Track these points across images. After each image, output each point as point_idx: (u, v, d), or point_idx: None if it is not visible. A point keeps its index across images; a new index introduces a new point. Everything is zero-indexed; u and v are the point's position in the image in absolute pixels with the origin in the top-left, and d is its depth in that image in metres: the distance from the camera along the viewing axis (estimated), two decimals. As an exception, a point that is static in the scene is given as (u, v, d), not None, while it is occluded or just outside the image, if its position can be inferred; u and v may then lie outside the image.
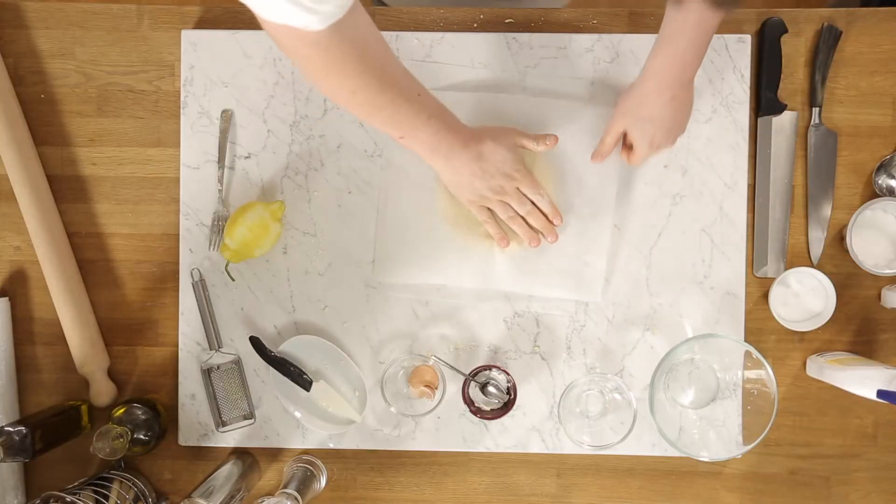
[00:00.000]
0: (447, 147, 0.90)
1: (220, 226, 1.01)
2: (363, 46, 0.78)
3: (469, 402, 0.98)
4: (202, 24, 1.04)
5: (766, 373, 0.93)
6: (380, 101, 0.83)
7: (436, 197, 1.01)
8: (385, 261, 1.01)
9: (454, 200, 0.99)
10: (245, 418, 1.02)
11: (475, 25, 1.04)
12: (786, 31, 1.00)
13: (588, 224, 1.00)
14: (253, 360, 1.01)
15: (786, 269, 1.01)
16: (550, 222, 0.97)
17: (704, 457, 0.94)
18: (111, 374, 1.03)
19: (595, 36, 1.01)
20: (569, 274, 1.00)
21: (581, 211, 1.00)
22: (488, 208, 0.97)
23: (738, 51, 1.01)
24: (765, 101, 1.01)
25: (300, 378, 0.99)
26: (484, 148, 0.92)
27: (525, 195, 0.95)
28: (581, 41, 1.01)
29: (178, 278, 1.03)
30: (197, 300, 1.02)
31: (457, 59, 1.02)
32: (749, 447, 0.93)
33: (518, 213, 0.96)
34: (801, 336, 1.02)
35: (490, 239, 0.99)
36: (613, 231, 1.01)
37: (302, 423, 1.01)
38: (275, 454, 1.03)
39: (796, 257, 1.02)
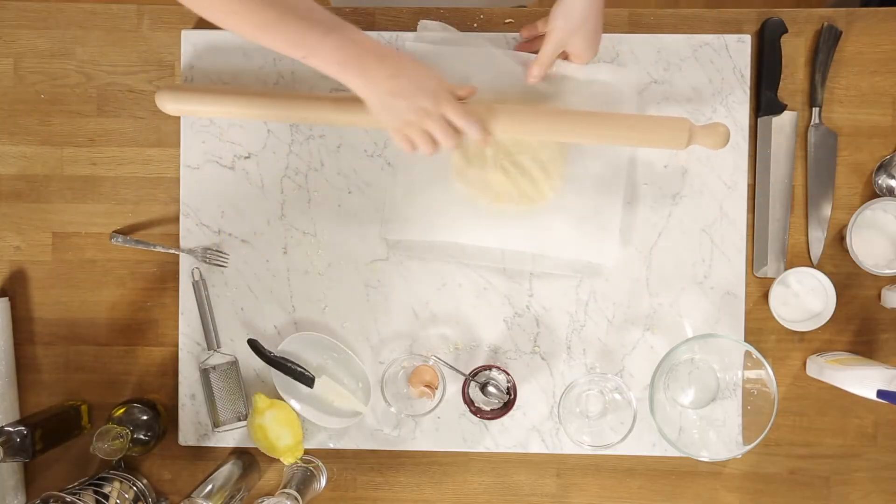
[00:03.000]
0: (357, 62, 0.84)
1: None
2: None
3: (469, 402, 0.98)
4: (202, 24, 1.04)
5: (766, 373, 0.93)
6: (265, 18, 0.79)
7: (449, 155, 1.00)
8: (396, 219, 1.01)
9: (467, 158, 0.98)
10: (240, 419, 1.02)
11: (475, 25, 1.04)
12: (786, 31, 1.00)
13: (602, 190, 0.99)
14: (253, 361, 1.01)
15: (786, 269, 1.01)
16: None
17: (704, 457, 0.94)
18: (111, 373, 1.03)
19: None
20: (584, 233, 0.99)
21: (595, 176, 0.99)
22: (412, 141, 0.90)
23: (738, 51, 1.01)
24: (765, 101, 1.01)
25: (302, 376, 0.99)
26: (403, 63, 0.86)
27: (451, 122, 0.89)
28: (581, 41, 1.01)
29: (178, 278, 1.03)
30: (197, 300, 1.02)
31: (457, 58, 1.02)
32: (749, 447, 0.93)
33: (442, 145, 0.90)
34: (801, 336, 1.02)
35: (503, 200, 0.98)
36: (625, 206, 1.01)
37: (306, 421, 1.01)
38: (275, 454, 1.04)
39: (796, 257, 1.02)
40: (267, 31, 0.81)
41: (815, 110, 1.01)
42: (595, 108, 0.98)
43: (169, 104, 0.99)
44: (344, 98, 0.96)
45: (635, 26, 1.03)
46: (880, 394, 0.85)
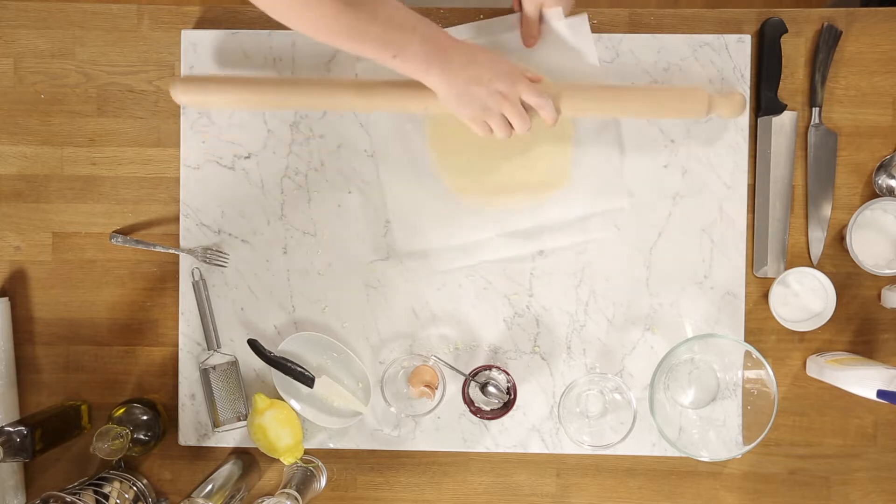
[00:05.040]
0: (440, 57, 0.87)
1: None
2: None
3: (469, 402, 0.98)
4: (202, 24, 1.04)
5: (766, 373, 0.93)
6: (363, 21, 0.81)
7: (429, 159, 1.01)
8: (403, 234, 1.01)
9: (447, 152, 0.99)
10: (240, 419, 1.02)
11: (475, 25, 1.04)
12: (786, 31, 1.00)
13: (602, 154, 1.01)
14: (253, 361, 1.01)
15: (786, 269, 1.01)
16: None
17: (704, 457, 0.94)
18: (111, 373, 1.04)
19: (595, 36, 1.01)
20: (595, 182, 1.00)
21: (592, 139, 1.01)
22: (489, 126, 0.93)
23: (738, 51, 1.01)
24: (765, 101, 1.01)
25: (302, 376, 0.99)
26: (476, 51, 0.89)
27: (527, 103, 0.91)
28: (581, 41, 1.02)
29: (178, 278, 1.03)
30: (197, 300, 1.02)
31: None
32: (749, 447, 0.93)
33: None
34: (801, 336, 1.02)
35: (498, 192, 1.00)
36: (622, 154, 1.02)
37: (306, 421, 1.01)
38: (275, 454, 1.04)
39: (796, 257, 1.02)
40: (357, 38, 0.83)
41: (815, 110, 1.01)
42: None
43: (183, 95, 0.97)
44: (366, 83, 0.96)
45: (635, 26, 1.03)
46: (880, 394, 0.85)
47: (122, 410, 0.98)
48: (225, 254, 1.02)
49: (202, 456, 1.04)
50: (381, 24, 0.83)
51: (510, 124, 0.92)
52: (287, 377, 1.00)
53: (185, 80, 0.98)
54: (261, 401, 0.98)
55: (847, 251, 0.98)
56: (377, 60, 0.86)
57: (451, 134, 1.00)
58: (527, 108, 0.92)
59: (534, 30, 0.99)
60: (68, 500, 0.89)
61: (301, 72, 1.02)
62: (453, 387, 1.01)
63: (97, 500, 0.93)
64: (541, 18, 0.99)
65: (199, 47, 1.03)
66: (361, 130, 1.02)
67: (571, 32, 1.00)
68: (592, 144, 1.00)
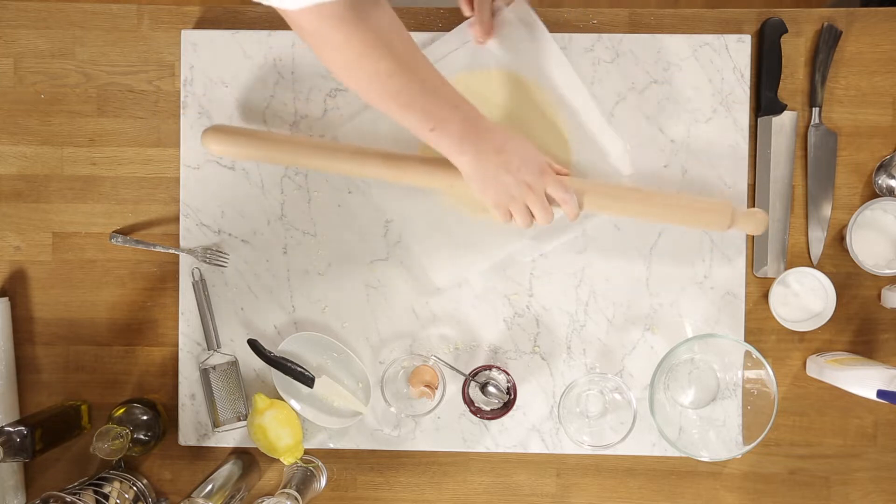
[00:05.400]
0: (475, 139, 0.87)
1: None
2: (388, 28, 0.78)
3: (469, 402, 0.98)
4: (202, 24, 1.04)
5: (766, 373, 0.93)
6: (413, 87, 0.81)
7: (439, 193, 1.00)
8: (438, 270, 1.01)
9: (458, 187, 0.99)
10: (240, 419, 1.02)
11: (475, 25, 1.03)
12: (786, 31, 1.00)
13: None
14: (253, 361, 1.01)
15: (786, 269, 1.01)
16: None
17: (704, 457, 0.94)
18: (111, 373, 1.04)
19: (595, 36, 1.01)
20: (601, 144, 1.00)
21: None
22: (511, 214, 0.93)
23: (738, 51, 1.01)
24: (765, 101, 1.01)
25: (302, 376, 0.99)
26: (509, 137, 0.90)
27: (551, 197, 0.92)
28: (581, 41, 1.01)
29: (178, 278, 1.03)
30: (197, 300, 1.02)
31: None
32: (749, 447, 0.93)
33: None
34: (801, 336, 1.02)
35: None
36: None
37: (306, 421, 1.01)
38: (275, 454, 1.04)
39: (796, 257, 1.02)
40: (405, 103, 0.83)
41: (815, 110, 1.01)
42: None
43: (215, 145, 0.97)
44: (393, 155, 0.96)
45: (635, 26, 1.03)
46: (880, 394, 0.85)
47: (122, 410, 0.98)
48: (225, 254, 1.02)
49: (202, 456, 1.04)
50: (428, 95, 0.83)
51: (532, 214, 0.92)
52: (287, 377, 1.00)
53: (218, 130, 0.97)
54: (261, 401, 0.98)
55: (847, 251, 0.98)
56: (414, 130, 0.86)
57: None
58: (550, 200, 0.92)
59: (486, 27, 0.98)
60: (68, 500, 0.89)
61: (300, 72, 1.02)
62: (453, 387, 1.01)
63: (97, 500, 0.93)
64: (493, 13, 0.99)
65: (199, 47, 1.03)
66: (360, 130, 1.02)
67: (525, 27, 1.00)
68: (592, 144, 1.00)
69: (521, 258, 1.02)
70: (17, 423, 0.91)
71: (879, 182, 1.01)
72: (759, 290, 1.02)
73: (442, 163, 0.92)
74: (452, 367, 0.99)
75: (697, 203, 0.95)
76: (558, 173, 0.93)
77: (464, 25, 1.01)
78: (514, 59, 1.00)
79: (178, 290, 1.03)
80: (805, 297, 0.99)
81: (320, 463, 1.02)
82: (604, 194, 0.95)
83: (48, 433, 0.93)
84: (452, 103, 0.86)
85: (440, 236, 1.01)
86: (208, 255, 1.02)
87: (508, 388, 0.98)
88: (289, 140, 0.98)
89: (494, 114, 1.00)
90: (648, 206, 0.95)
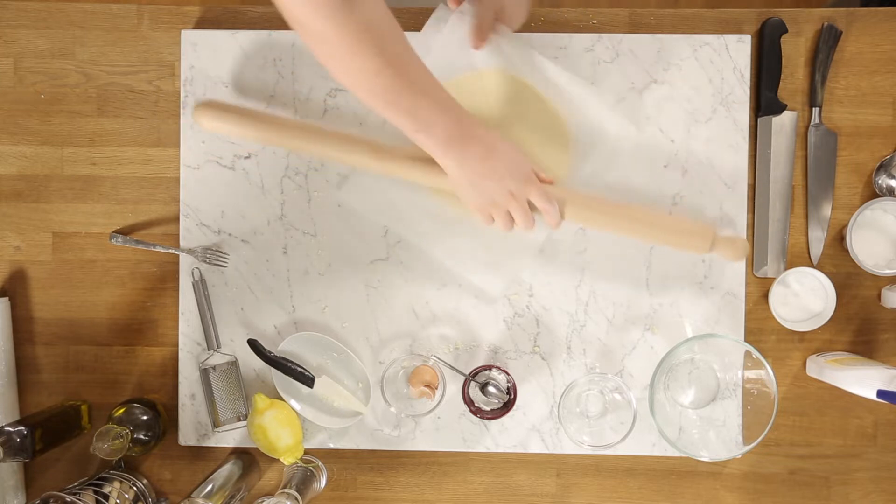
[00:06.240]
0: (461, 144, 0.87)
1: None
2: (380, 24, 0.77)
3: (469, 402, 0.98)
4: (202, 24, 1.04)
5: (766, 373, 0.93)
6: (400, 87, 0.81)
7: (438, 200, 1.01)
8: (490, 284, 1.01)
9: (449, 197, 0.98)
10: (240, 419, 1.02)
11: (475, 25, 1.03)
12: (786, 31, 1.00)
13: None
14: (253, 361, 1.01)
15: (786, 269, 1.01)
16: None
17: (704, 457, 0.94)
18: (111, 373, 1.04)
19: (595, 36, 1.01)
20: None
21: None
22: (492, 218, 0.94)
23: (738, 51, 1.01)
24: (765, 101, 1.01)
25: (302, 376, 0.99)
26: (496, 144, 0.90)
27: (533, 204, 0.92)
28: (581, 41, 1.01)
29: (178, 278, 1.03)
30: (197, 300, 1.02)
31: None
32: (749, 447, 0.93)
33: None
34: (801, 336, 1.02)
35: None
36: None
37: (306, 421, 1.01)
38: (275, 454, 1.04)
39: (796, 257, 1.02)
40: (391, 102, 0.83)
41: (815, 110, 1.01)
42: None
43: (206, 120, 0.97)
44: (383, 147, 0.96)
45: (635, 26, 1.03)
46: (880, 394, 0.85)
47: (122, 410, 0.98)
48: (225, 254, 1.02)
49: (202, 456, 1.04)
50: (415, 95, 0.83)
51: (513, 220, 0.93)
52: (287, 377, 1.00)
53: (210, 105, 0.98)
54: (261, 401, 0.98)
55: (847, 251, 0.98)
56: (402, 129, 0.86)
57: None
58: (532, 208, 0.92)
59: (483, 35, 0.98)
60: (68, 500, 0.89)
61: (300, 73, 1.02)
62: (453, 387, 1.01)
63: (97, 500, 0.93)
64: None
65: (199, 47, 1.03)
66: (361, 130, 1.02)
67: (517, 48, 1.00)
68: (592, 144, 1.00)
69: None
70: (17, 423, 0.91)
71: (879, 182, 1.01)
72: (759, 290, 1.02)
73: (430, 162, 0.91)
74: (452, 367, 0.99)
75: (681, 224, 0.96)
76: (543, 181, 0.93)
77: (449, 15, 1.00)
78: (508, 62, 1.00)
79: (178, 290, 1.03)
80: (805, 297, 0.99)
81: (320, 463, 1.02)
82: (587, 206, 0.95)
83: (48, 433, 0.93)
84: (441, 106, 0.85)
85: (483, 253, 1.01)
86: (208, 255, 1.02)
87: (508, 388, 0.98)
88: (279, 121, 0.98)
89: (489, 104, 1.00)
90: (631, 223, 0.95)
